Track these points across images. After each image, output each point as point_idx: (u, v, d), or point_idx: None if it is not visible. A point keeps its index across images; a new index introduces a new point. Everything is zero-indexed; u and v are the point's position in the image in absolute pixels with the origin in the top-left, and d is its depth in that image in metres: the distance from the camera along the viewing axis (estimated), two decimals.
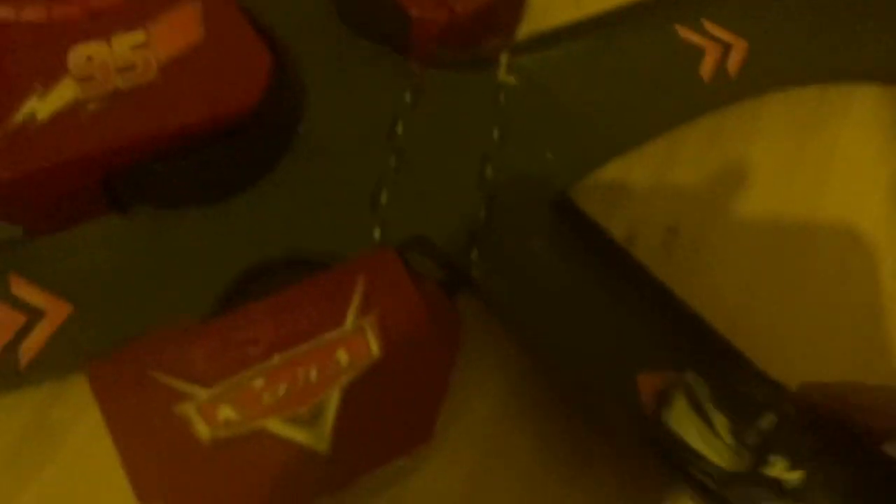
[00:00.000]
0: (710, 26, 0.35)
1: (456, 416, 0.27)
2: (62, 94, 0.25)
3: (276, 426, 0.22)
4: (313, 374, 0.23)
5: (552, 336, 0.28)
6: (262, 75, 0.27)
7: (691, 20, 0.35)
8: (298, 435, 0.22)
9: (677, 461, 0.24)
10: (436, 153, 0.30)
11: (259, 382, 0.23)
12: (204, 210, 0.27)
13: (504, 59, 0.32)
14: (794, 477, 0.23)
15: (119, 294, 0.26)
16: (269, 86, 0.27)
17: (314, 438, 0.22)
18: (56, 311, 0.25)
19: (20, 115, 0.25)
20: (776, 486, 0.23)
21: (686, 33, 0.34)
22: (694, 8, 0.35)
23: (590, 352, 0.27)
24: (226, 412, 0.22)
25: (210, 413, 0.22)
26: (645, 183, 0.33)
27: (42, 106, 0.25)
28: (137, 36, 0.26)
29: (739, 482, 0.23)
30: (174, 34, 0.27)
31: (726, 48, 0.34)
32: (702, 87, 0.34)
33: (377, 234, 0.28)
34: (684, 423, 0.24)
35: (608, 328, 0.28)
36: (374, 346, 0.24)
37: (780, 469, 0.23)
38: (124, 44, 0.26)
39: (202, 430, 0.22)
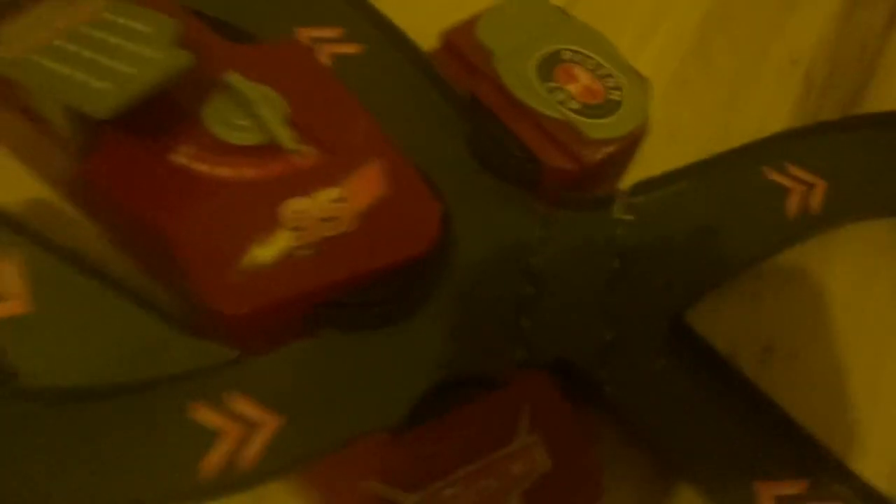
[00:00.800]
0: (792, 169, 0.40)
1: None
2: (279, 242, 0.31)
3: None
4: (493, 484, 0.28)
5: (678, 445, 0.32)
6: (434, 223, 0.32)
7: (776, 163, 0.40)
8: None
9: None
10: (566, 281, 0.35)
11: (450, 492, 0.27)
12: (379, 333, 0.32)
13: (621, 199, 0.38)
14: None
15: (322, 406, 0.30)
16: (440, 232, 0.32)
17: None
18: (268, 423, 0.30)
19: (247, 260, 0.30)
20: None
21: (772, 175, 0.40)
22: (778, 152, 0.40)
23: (710, 460, 0.32)
24: None
25: None
26: (741, 307, 0.38)
27: (263, 252, 0.30)
28: (335, 191, 0.32)
29: None
30: (364, 189, 0.32)
31: (809, 187, 0.40)
32: (788, 222, 0.39)
33: (520, 355, 0.33)
34: None
35: (727, 439, 0.32)
36: (543, 460, 0.28)
37: None
38: (325, 198, 0.32)
39: None
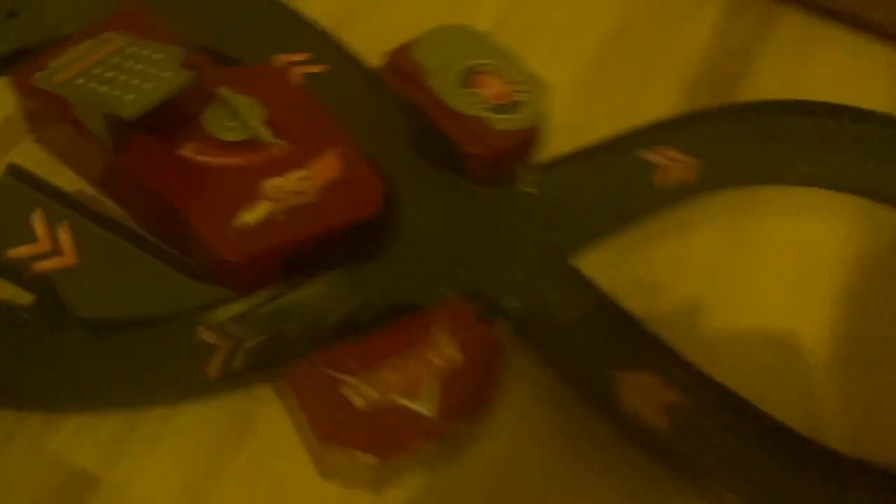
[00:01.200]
0: (661, 149, 0.51)
1: (501, 398, 0.42)
2: (261, 209, 0.42)
3: (401, 400, 0.38)
4: (418, 368, 0.38)
5: (562, 350, 0.43)
6: (377, 195, 0.43)
7: (648, 145, 0.51)
8: (413, 404, 0.38)
9: None
10: (486, 238, 0.46)
11: (387, 374, 0.38)
12: (340, 279, 0.43)
13: (525, 176, 0.49)
14: None
15: (292, 329, 0.41)
16: (384, 199, 0.43)
17: (422, 406, 0.38)
18: (252, 341, 0.41)
19: (237, 222, 0.41)
20: None
21: (644, 154, 0.51)
22: (652, 137, 0.51)
23: (587, 360, 0.43)
24: (369, 391, 0.38)
25: (360, 391, 0.37)
26: (619, 254, 0.49)
27: (250, 216, 0.41)
28: (302, 172, 0.43)
29: None
30: (324, 169, 0.43)
31: (674, 164, 0.50)
32: (656, 191, 0.50)
33: (449, 291, 0.44)
34: None
35: (599, 344, 0.43)
36: (454, 352, 0.39)
37: None
38: (294, 177, 0.43)
39: (358, 401, 0.37)
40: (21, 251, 0.40)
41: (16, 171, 0.42)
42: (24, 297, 0.41)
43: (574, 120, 0.54)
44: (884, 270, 0.50)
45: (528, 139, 0.49)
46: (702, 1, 0.61)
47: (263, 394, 0.41)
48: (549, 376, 0.44)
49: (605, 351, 0.43)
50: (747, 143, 0.53)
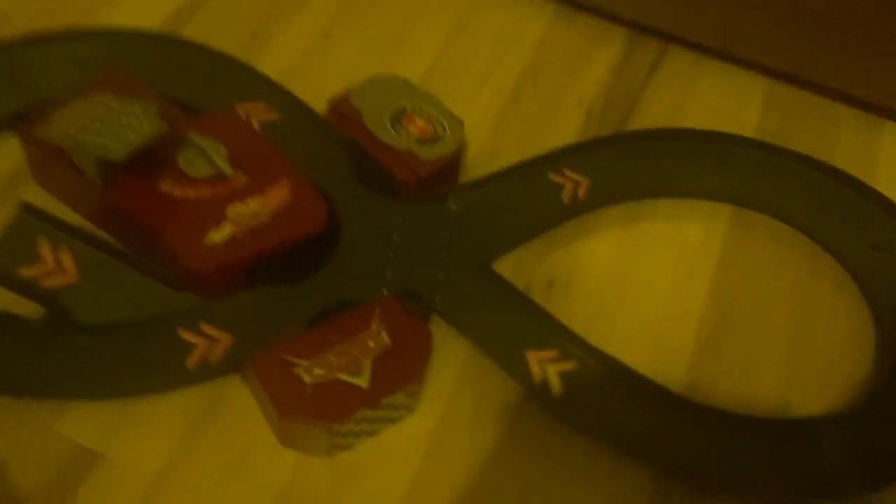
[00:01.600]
0: (567, 171, 0.61)
1: (433, 382, 0.52)
2: (225, 230, 0.51)
3: (343, 376, 0.47)
4: (358, 352, 0.48)
5: (480, 334, 0.52)
6: (321, 215, 0.53)
7: (555, 168, 0.61)
8: (353, 379, 0.47)
9: None
10: (415, 247, 0.56)
11: (332, 357, 0.47)
12: (295, 284, 0.53)
13: (450, 196, 0.58)
14: None
15: (256, 328, 0.50)
16: (327, 218, 0.53)
17: (360, 380, 0.47)
18: (224, 339, 0.50)
19: (206, 240, 0.50)
20: None
21: (552, 176, 0.61)
22: (556, 161, 0.61)
23: (500, 340, 0.52)
24: (317, 370, 0.47)
25: (310, 371, 0.47)
26: (534, 258, 0.58)
27: (217, 235, 0.51)
28: (259, 199, 0.52)
29: None
30: (276, 196, 0.53)
31: (576, 183, 0.61)
32: (563, 206, 0.60)
33: (385, 291, 0.53)
34: None
35: (510, 328, 0.52)
36: (386, 338, 0.48)
37: None
38: (252, 203, 0.52)
39: (307, 379, 0.46)
40: (31, 271, 0.49)
41: (28, 207, 0.51)
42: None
43: (492, 148, 0.64)
44: (748, 260, 0.60)
45: (448, 166, 0.59)
46: (599, 44, 0.72)
47: (232, 381, 0.50)
48: (473, 360, 0.53)
49: (516, 334, 0.53)
50: (637, 163, 0.63)
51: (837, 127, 0.69)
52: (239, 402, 0.50)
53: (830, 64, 0.68)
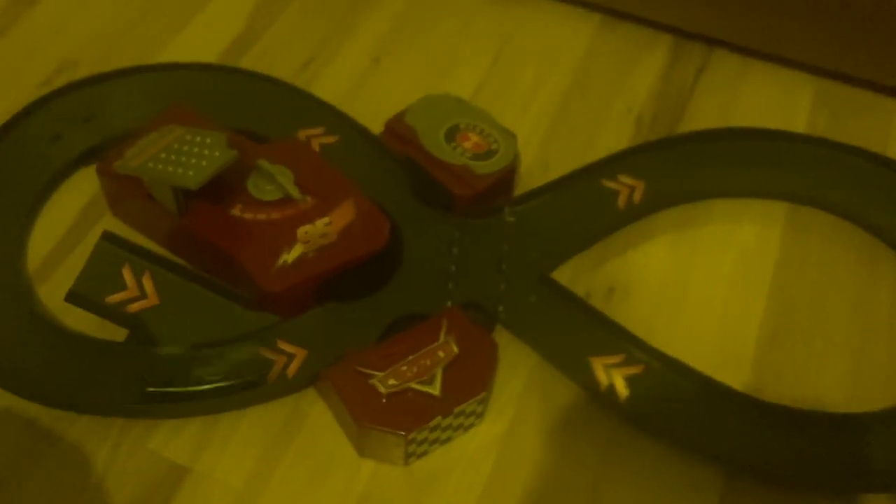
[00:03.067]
0: (621, 177, 0.62)
1: (501, 386, 0.53)
2: (297, 250, 0.53)
3: (415, 385, 0.49)
4: (428, 362, 0.49)
5: (543, 342, 0.54)
6: (385, 232, 0.55)
7: (610, 175, 0.62)
8: (426, 388, 0.48)
9: None
10: (475, 259, 0.57)
11: (404, 368, 0.49)
12: (363, 300, 0.55)
13: (506, 209, 0.60)
14: None
15: (329, 343, 0.52)
16: (389, 236, 0.55)
17: (433, 389, 0.48)
18: (300, 354, 0.52)
19: (279, 261, 0.53)
20: None
21: (607, 183, 0.62)
22: (610, 168, 0.63)
23: (563, 347, 0.53)
24: (391, 381, 0.49)
25: (384, 382, 0.49)
26: (592, 267, 0.60)
27: (289, 256, 0.53)
28: (326, 220, 0.55)
29: None
30: (342, 216, 0.55)
31: (631, 188, 0.62)
32: (619, 212, 0.61)
33: (449, 303, 0.55)
34: None
35: (573, 334, 0.54)
36: (455, 348, 0.50)
37: None
38: (320, 224, 0.54)
39: (381, 389, 0.48)
40: (117, 297, 0.52)
41: (109, 237, 0.54)
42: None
43: (544, 160, 0.66)
44: (806, 258, 0.61)
45: (503, 179, 0.60)
46: (645, 51, 0.73)
47: (310, 395, 0.53)
48: (539, 367, 0.54)
49: (580, 341, 0.54)
50: (690, 165, 0.64)
51: (888, 121, 0.69)
52: (316, 414, 0.52)
53: (878, 59, 0.69)
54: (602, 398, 0.52)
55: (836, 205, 0.63)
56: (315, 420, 0.52)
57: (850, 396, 0.54)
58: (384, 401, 0.48)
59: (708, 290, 0.59)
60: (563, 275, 0.59)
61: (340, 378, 0.49)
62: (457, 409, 0.49)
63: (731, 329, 0.57)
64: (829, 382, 0.55)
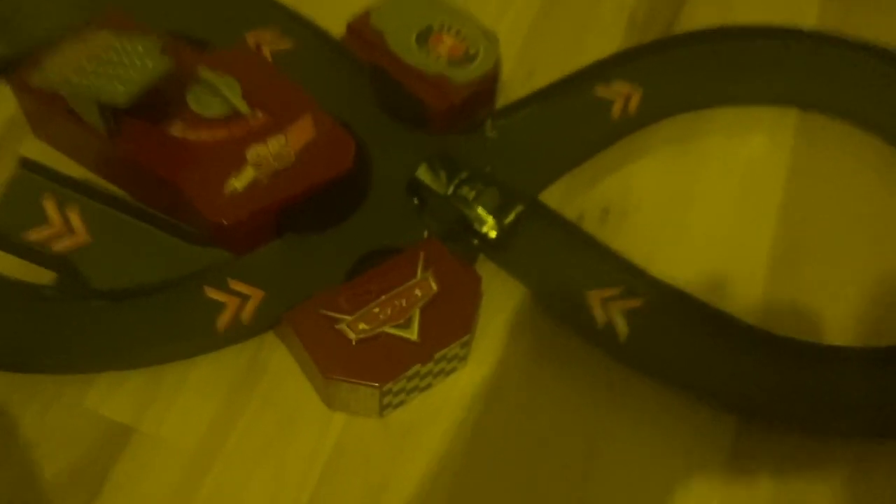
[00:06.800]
0: (616, 84, 0.55)
1: (485, 325, 0.47)
2: (247, 175, 0.46)
3: (389, 329, 0.42)
4: (403, 302, 0.43)
5: (533, 274, 0.48)
6: (350, 152, 0.48)
7: (603, 80, 0.55)
8: (400, 332, 0.42)
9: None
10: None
11: (376, 310, 0.43)
12: (328, 232, 0.48)
13: (488, 122, 0.53)
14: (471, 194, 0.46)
15: (290, 282, 0.46)
16: (355, 157, 0.48)
17: (409, 333, 0.42)
18: (256, 295, 0.46)
19: (227, 188, 0.46)
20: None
21: (601, 90, 0.55)
22: (604, 73, 0.55)
23: (556, 281, 0.47)
24: (361, 325, 0.42)
25: (353, 327, 0.42)
26: (584, 186, 0.53)
27: (238, 182, 0.46)
28: (280, 139, 0.47)
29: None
30: (299, 134, 0.48)
31: (626, 96, 0.55)
32: (613, 123, 0.54)
33: (425, 233, 0.49)
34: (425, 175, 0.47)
35: (566, 265, 0.48)
36: (434, 285, 0.44)
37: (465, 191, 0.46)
38: (274, 143, 0.47)
39: (351, 335, 0.42)
40: (38, 233, 0.45)
41: (28, 164, 0.46)
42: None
43: (527, 65, 0.58)
44: (819, 170, 0.54)
45: (483, 89, 0.53)
46: None
47: (270, 342, 0.46)
48: (526, 303, 0.48)
49: (573, 272, 0.48)
50: (691, 70, 0.57)
51: None
52: (276, 363, 0.46)
53: None
54: (598, 337, 0.46)
55: (851, 111, 0.56)
56: (276, 370, 0.46)
57: (871, 327, 0.49)
58: (354, 348, 0.42)
59: (713, 210, 0.53)
60: (552, 197, 0.52)
61: (303, 323, 0.43)
62: (437, 355, 0.43)
63: (738, 253, 0.52)
64: (847, 310, 0.50)
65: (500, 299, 0.48)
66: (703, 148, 0.55)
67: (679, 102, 0.56)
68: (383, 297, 0.43)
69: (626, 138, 0.55)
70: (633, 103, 0.55)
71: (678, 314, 0.47)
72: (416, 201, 0.50)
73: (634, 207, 0.53)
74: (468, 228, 0.48)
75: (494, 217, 0.48)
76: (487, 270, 0.48)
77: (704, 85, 0.57)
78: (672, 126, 0.56)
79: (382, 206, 0.49)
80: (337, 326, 0.43)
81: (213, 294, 0.45)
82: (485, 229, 0.48)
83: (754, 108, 0.57)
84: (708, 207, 0.53)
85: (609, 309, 0.47)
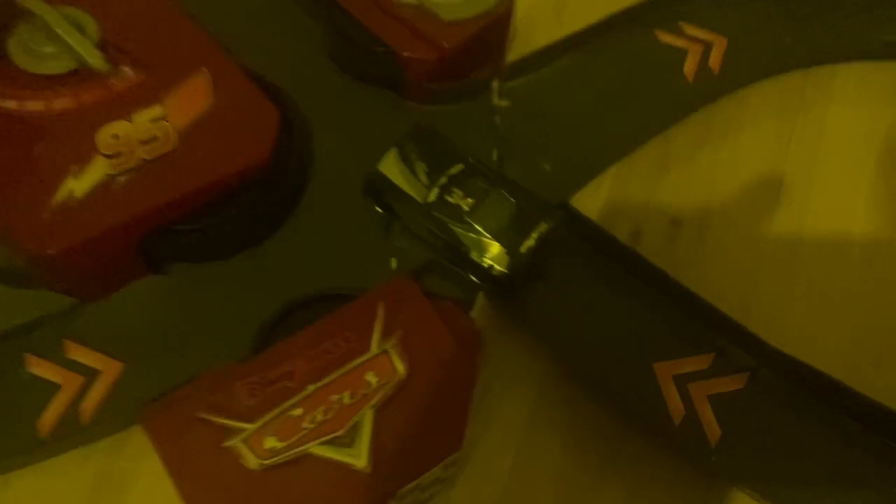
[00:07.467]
0: (688, 28, 0.36)
1: (488, 424, 0.29)
2: (95, 172, 0.28)
3: (318, 449, 0.24)
4: (346, 397, 0.25)
5: (563, 331, 0.29)
6: (271, 130, 0.29)
7: (670, 24, 0.36)
8: (338, 455, 0.24)
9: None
10: None
11: (298, 412, 0.25)
12: (235, 260, 0.30)
13: (496, 84, 0.34)
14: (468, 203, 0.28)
15: (165, 346, 0.28)
16: (278, 138, 0.29)
17: (353, 457, 0.24)
18: (110, 370, 0.28)
19: (60, 195, 0.27)
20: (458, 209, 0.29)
21: (666, 37, 0.36)
22: (671, 12, 0.37)
23: (609, 346, 0.29)
24: (271, 442, 0.24)
25: (257, 444, 0.24)
26: (644, 183, 0.35)
27: (78, 184, 0.28)
28: (155, 110, 0.29)
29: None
30: (187, 103, 0.29)
31: (707, 47, 0.36)
32: (687, 86, 0.36)
33: (394, 263, 0.30)
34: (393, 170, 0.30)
35: (621, 322, 0.29)
36: (400, 366, 0.26)
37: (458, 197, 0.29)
38: (144, 119, 0.29)
39: (251, 461, 0.24)
40: None
41: None
42: None
43: (555, 6, 0.39)
44: None
45: (492, 33, 0.34)
46: None
47: (136, 437, 0.28)
48: (550, 381, 0.30)
49: (631, 333, 0.29)
50: (796, 13, 0.38)
51: None
52: (148, 474, 0.28)
53: None
54: (674, 438, 0.28)
55: None
56: (142, 485, 0.28)
57: None
58: (256, 481, 0.24)
59: (841, 219, 0.35)
60: (593, 202, 0.34)
61: (168, 433, 0.25)
62: (401, 491, 0.25)
63: (880, 286, 0.33)
64: None
65: (512, 373, 0.30)
66: (821, 123, 0.37)
67: (782, 56, 0.37)
68: (311, 388, 0.25)
69: (705, 109, 0.36)
70: (716, 57, 0.36)
71: (803, 404, 0.28)
72: (378, 211, 0.31)
73: (720, 216, 0.34)
74: (461, 258, 0.30)
75: (503, 240, 0.30)
76: (491, 327, 0.30)
77: (821, 32, 0.38)
78: (772, 91, 0.37)
79: (325, 220, 0.31)
80: (228, 443, 0.24)
81: (40, 369, 0.27)
82: (488, 260, 0.29)
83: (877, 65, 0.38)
84: (835, 214, 0.35)
85: (690, 393, 0.28)
